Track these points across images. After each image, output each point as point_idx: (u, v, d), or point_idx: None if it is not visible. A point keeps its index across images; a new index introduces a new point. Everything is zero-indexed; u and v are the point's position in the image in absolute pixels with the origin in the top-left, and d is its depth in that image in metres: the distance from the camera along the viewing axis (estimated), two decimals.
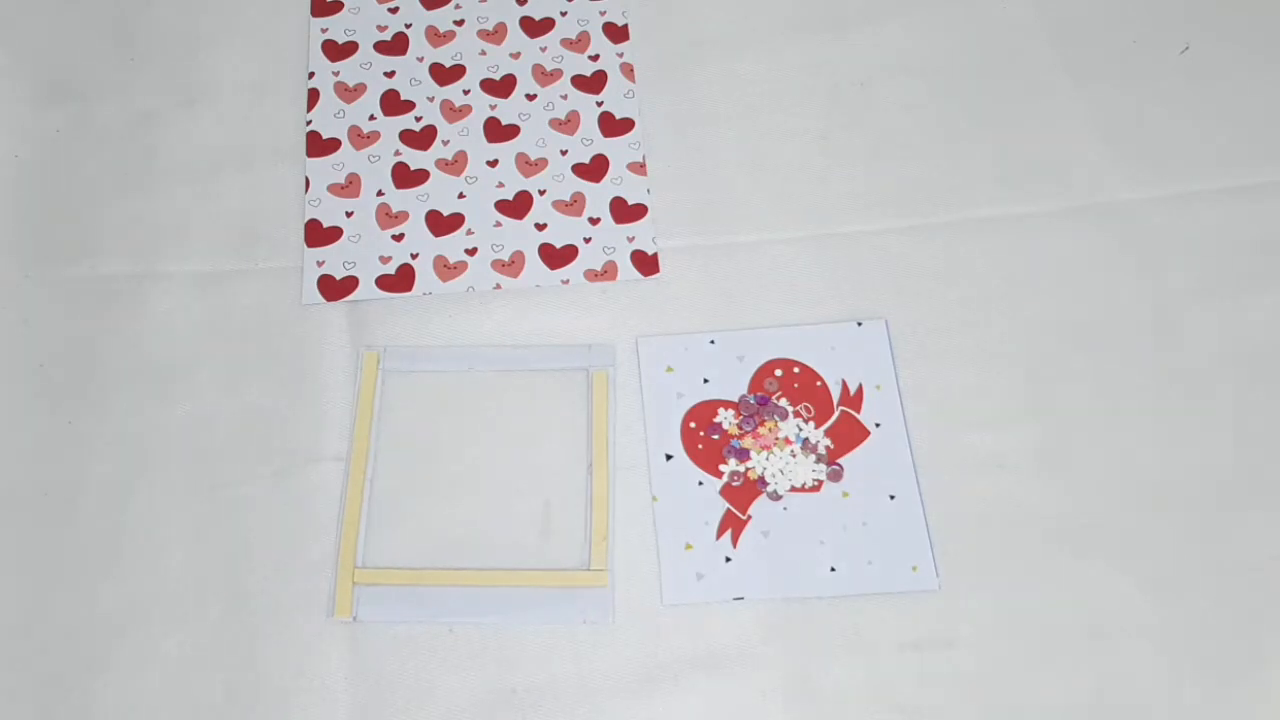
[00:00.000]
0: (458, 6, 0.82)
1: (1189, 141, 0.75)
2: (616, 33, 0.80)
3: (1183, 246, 0.71)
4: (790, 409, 0.66)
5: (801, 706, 0.59)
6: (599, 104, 0.78)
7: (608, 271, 0.71)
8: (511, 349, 0.69)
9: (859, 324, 0.69)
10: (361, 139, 0.77)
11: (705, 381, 0.68)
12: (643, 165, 0.75)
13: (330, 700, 0.60)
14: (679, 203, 0.74)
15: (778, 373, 0.67)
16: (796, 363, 0.68)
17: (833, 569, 0.62)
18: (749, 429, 0.66)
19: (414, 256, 0.72)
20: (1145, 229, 0.72)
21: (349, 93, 0.78)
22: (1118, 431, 0.66)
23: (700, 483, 0.65)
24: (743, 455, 0.66)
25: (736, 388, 0.67)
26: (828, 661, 0.60)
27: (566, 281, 0.71)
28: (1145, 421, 0.66)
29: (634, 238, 0.73)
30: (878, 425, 0.66)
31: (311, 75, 0.79)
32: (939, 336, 0.69)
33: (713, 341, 0.68)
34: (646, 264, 0.72)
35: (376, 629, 0.61)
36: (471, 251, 0.72)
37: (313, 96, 0.78)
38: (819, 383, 0.67)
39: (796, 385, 0.67)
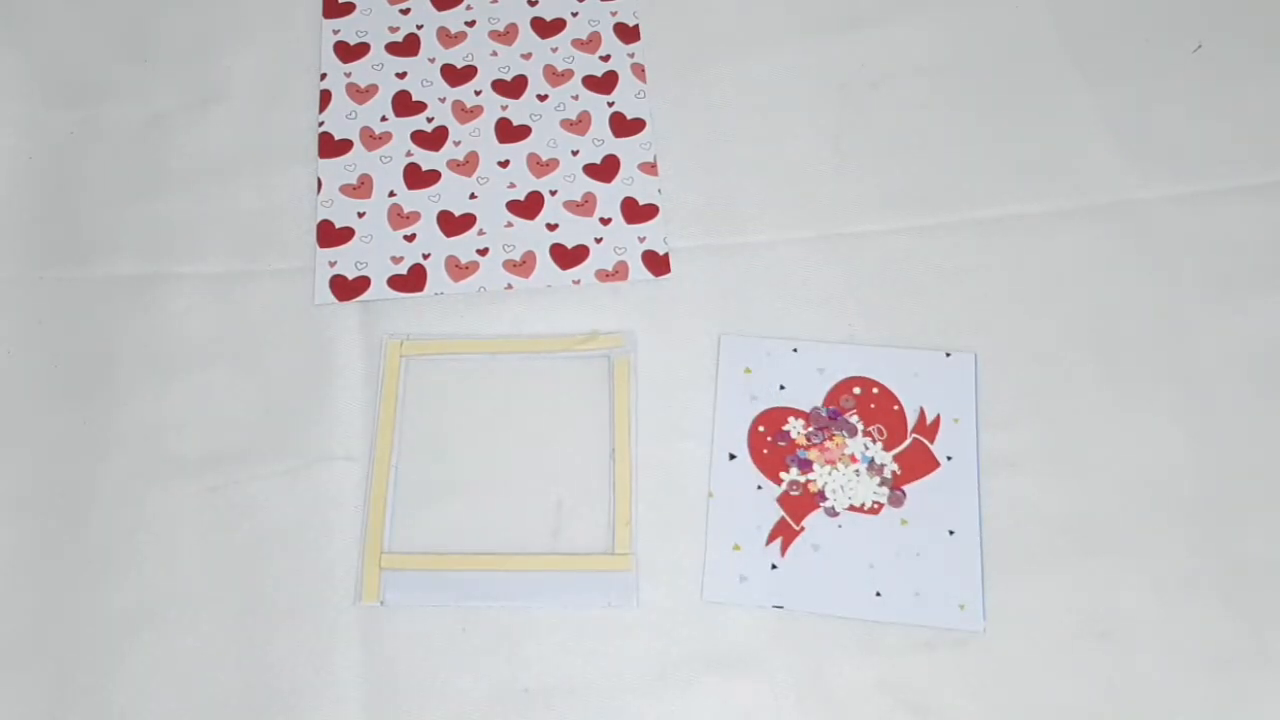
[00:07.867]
0: (469, 8, 0.82)
1: (1202, 140, 0.74)
2: (627, 33, 0.81)
3: (1196, 245, 0.71)
4: (860, 427, 0.65)
5: (813, 705, 0.59)
6: (610, 104, 0.78)
7: (619, 271, 0.71)
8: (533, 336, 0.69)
9: (947, 354, 0.67)
10: (373, 140, 0.77)
11: (781, 388, 0.67)
12: (654, 165, 0.75)
13: (343, 698, 0.60)
14: (690, 203, 0.74)
15: (856, 390, 0.67)
16: (876, 383, 0.67)
17: (878, 594, 0.61)
18: (816, 441, 0.65)
19: (426, 257, 0.72)
20: (1158, 228, 0.72)
21: (361, 94, 0.79)
22: (1129, 431, 0.66)
23: (759, 486, 0.64)
24: (806, 466, 0.65)
25: (812, 399, 0.67)
26: (840, 660, 0.60)
27: (578, 282, 0.71)
28: (1157, 421, 0.66)
29: (645, 238, 0.73)
30: (949, 458, 0.65)
31: (324, 76, 0.79)
32: (950, 336, 0.69)
33: (795, 350, 0.68)
34: (658, 264, 0.72)
35: (391, 627, 0.62)
36: (483, 252, 0.73)
37: (325, 98, 0.78)
38: (896, 406, 0.66)
39: (873, 405, 0.66)
